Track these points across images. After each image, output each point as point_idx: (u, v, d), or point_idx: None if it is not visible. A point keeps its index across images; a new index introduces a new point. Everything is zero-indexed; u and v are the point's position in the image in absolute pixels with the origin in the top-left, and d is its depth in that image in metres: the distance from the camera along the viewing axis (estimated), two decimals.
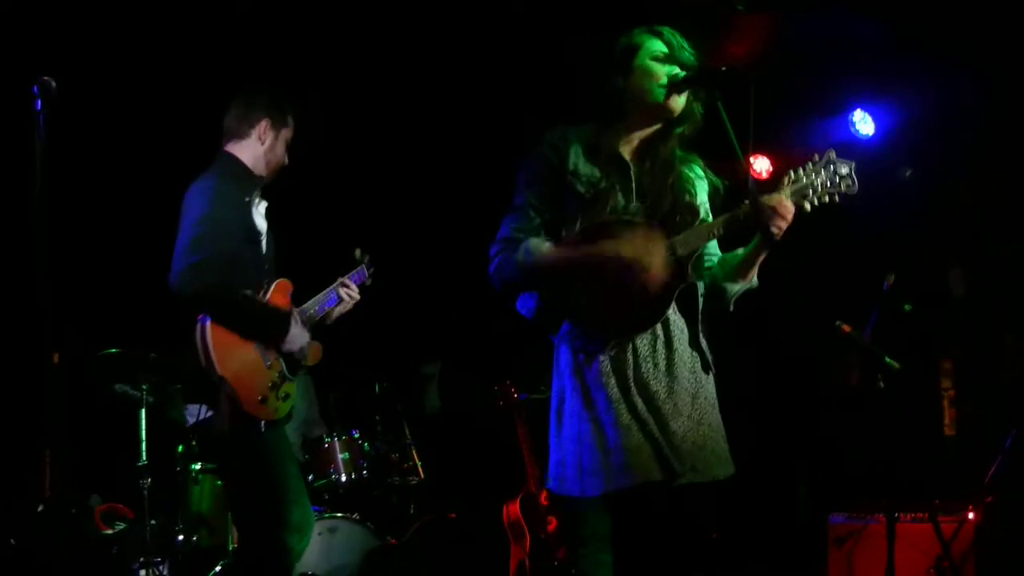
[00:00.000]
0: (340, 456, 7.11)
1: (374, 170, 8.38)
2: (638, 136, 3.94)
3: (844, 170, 3.83)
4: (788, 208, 3.72)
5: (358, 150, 8.27)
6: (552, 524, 6.80)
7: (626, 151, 3.93)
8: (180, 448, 6.87)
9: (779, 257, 4.04)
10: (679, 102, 3.87)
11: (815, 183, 3.80)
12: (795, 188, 3.80)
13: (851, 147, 7.31)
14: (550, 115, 4.05)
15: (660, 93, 3.83)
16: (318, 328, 5.29)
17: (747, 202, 3.74)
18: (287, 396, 4.93)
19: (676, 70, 3.84)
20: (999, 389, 7.06)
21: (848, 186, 3.83)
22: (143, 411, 6.40)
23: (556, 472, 3.88)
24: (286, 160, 5.19)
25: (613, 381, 3.75)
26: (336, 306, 5.39)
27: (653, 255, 3.72)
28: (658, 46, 3.88)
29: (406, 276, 8.49)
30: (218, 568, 6.51)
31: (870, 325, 5.76)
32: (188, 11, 6.95)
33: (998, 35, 6.62)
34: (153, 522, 6.45)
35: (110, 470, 6.83)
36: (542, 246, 3.79)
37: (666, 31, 3.91)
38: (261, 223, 5.02)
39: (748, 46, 6.56)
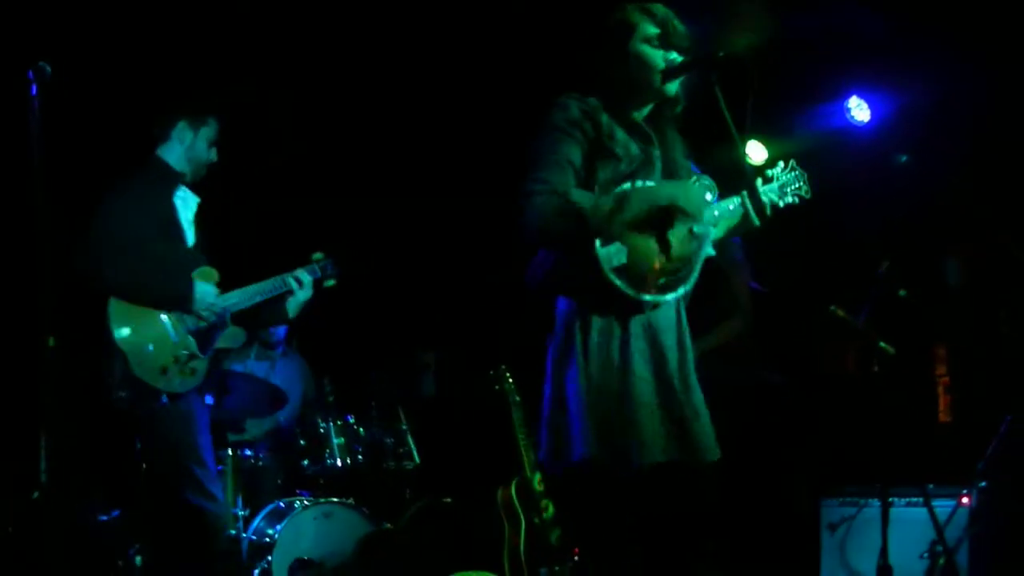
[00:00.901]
0: (335, 441, 7.13)
1: (370, 160, 8.37)
2: (639, 113, 3.95)
3: (801, 176, 4.19)
4: (780, 204, 4.02)
5: (352, 141, 8.26)
6: (547, 508, 6.80)
7: (643, 123, 3.95)
8: None
9: (774, 243, 4.07)
10: (673, 86, 3.89)
11: (787, 184, 4.11)
12: (778, 186, 4.08)
13: (847, 133, 7.32)
14: (544, 99, 4.03)
15: (655, 79, 3.84)
16: (262, 317, 5.68)
17: (746, 193, 3.83)
18: (194, 372, 5.21)
19: (671, 54, 3.84)
20: (993, 375, 7.07)
21: (806, 191, 4.17)
22: None
23: (559, 444, 3.86)
24: (212, 157, 5.56)
25: (640, 349, 3.75)
26: (282, 297, 5.63)
27: (700, 214, 3.80)
28: (651, 29, 3.88)
29: (404, 262, 8.50)
30: None
31: (865, 311, 5.77)
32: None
33: (994, 20, 6.61)
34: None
35: (105, 455, 6.82)
36: (594, 197, 3.72)
37: (660, 10, 3.91)
38: (185, 217, 5.45)
39: (745, 31, 6.56)
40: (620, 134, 3.83)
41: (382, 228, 8.61)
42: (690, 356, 3.87)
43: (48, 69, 4.28)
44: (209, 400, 5.48)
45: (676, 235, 3.74)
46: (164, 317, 5.20)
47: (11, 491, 5.60)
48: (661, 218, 3.71)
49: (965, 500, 6.03)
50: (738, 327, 6.49)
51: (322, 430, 7.16)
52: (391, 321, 8.54)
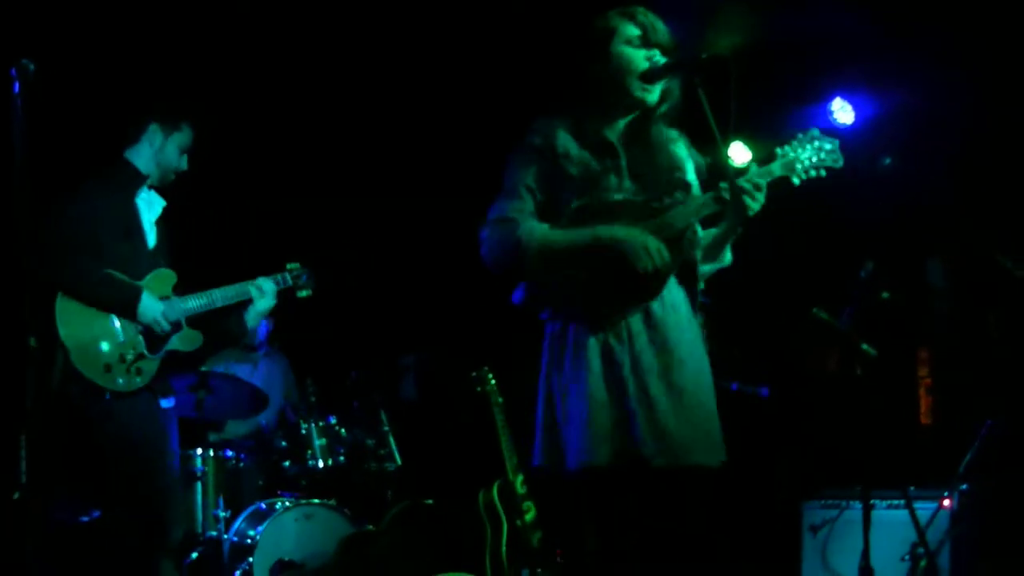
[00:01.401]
0: (317, 442, 7.12)
1: (353, 163, 8.36)
2: (622, 120, 3.95)
3: (828, 146, 4.02)
4: (760, 184, 3.86)
5: (333, 142, 8.26)
6: (529, 510, 6.80)
7: (612, 136, 3.94)
8: None
9: (758, 243, 4.06)
10: (655, 93, 3.89)
11: (801, 158, 3.96)
12: (784, 162, 3.95)
13: (831, 135, 7.32)
14: (529, 105, 4.04)
15: (636, 85, 3.84)
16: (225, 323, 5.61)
17: (724, 184, 3.81)
18: (140, 372, 5.15)
19: (653, 53, 3.85)
20: (975, 378, 7.08)
21: (834, 160, 4.04)
22: None
23: (547, 448, 3.87)
24: (182, 165, 5.54)
25: (607, 359, 3.76)
26: (242, 305, 5.58)
27: (648, 236, 3.75)
28: (632, 30, 3.88)
29: (387, 263, 8.50)
30: (194, 555, 6.51)
31: (848, 312, 5.78)
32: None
33: (978, 23, 6.63)
34: None
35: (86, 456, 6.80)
36: (541, 226, 3.79)
37: (639, 12, 3.92)
38: (148, 219, 5.41)
39: (728, 33, 6.57)
40: (575, 150, 3.87)
41: (363, 229, 8.61)
42: (680, 359, 3.85)
43: (31, 67, 4.27)
44: (168, 403, 5.39)
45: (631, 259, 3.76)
46: (113, 315, 5.16)
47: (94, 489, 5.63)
48: (606, 259, 3.75)
49: (946, 502, 6.04)
50: None
51: (304, 431, 7.15)
52: (373, 322, 8.53)
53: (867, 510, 5.61)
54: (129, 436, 5.16)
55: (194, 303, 5.38)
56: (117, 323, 5.14)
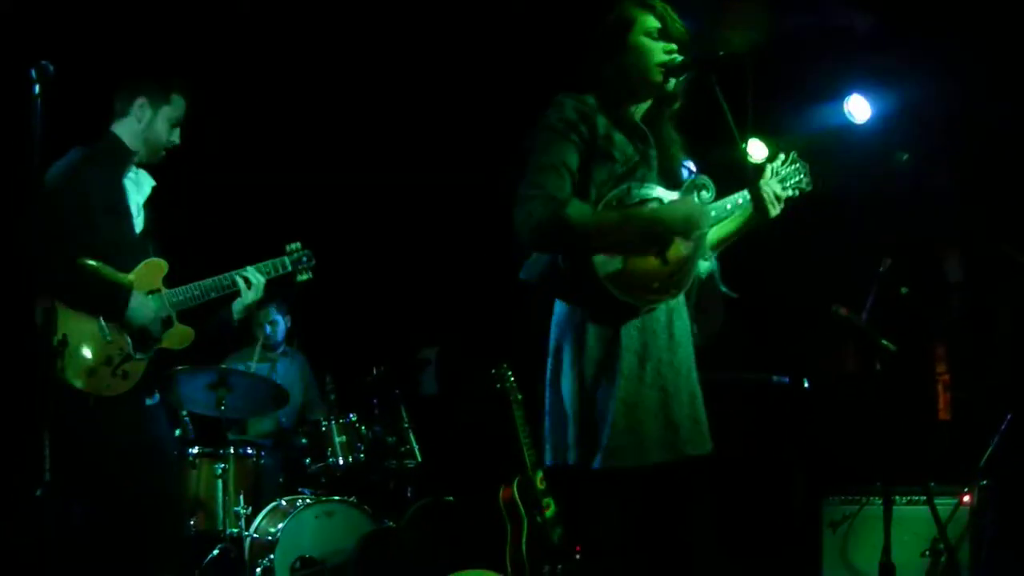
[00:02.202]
0: (337, 439, 7.13)
1: (371, 156, 8.38)
2: (637, 109, 3.95)
3: (802, 168, 4.23)
4: (781, 196, 4.05)
5: (354, 138, 8.27)
6: (548, 507, 6.82)
7: (642, 121, 3.94)
8: (177, 432, 6.89)
9: (776, 242, 4.08)
10: (673, 83, 3.89)
11: (790, 179, 4.17)
12: (779, 180, 4.12)
13: (847, 132, 7.32)
14: (542, 94, 4.03)
15: (656, 72, 3.84)
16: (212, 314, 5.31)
17: (749, 190, 3.86)
18: (126, 375, 4.85)
19: (671, 47, 3.85)
20: (994, 373, 7.07)
21: (808, 183, 4.23)
22: None
23: (561, 443, 3.88)
24: (174, 140, 5.15)
25: (633, 351, 3.75)
26: (230, 297, 5.27)
27: (696, 226, 3.80)
28: (651, 22, 3.87)
29: (404, 261, 8.51)
30: (215, 552, 6.54)
31: (866, 309, 5.78)
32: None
33: (993, 18, 6.61)
34: None
35: None
36: (590, 208, 3.71)
37: (658, 4, 3.90)
38: (135, 201, 5.07)
39: (744, 30, 6.56)
40: (616, 135, 3.82)
41: (385, 224, 8.64)
42: (687, 356, 3.88)
43: (51, 68, 4.27)
44: (153, 400, 5.12)
45: (677, 247, 3.78)
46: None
47: (13, 490, 5.53)
48: (660, 243, 3.75)
49: (966, 498, 6.04)
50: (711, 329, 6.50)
51: (324, 428, 7.17)
52: (392, 319, 8.55)
53: (887, 506, 5.62)
54: (112, 442, 4.83)
55: (185, 296, 5.04)
56: (103, 323, 4.81)
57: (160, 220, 5.21)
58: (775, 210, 3.99)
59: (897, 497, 6.06)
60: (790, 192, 4.13)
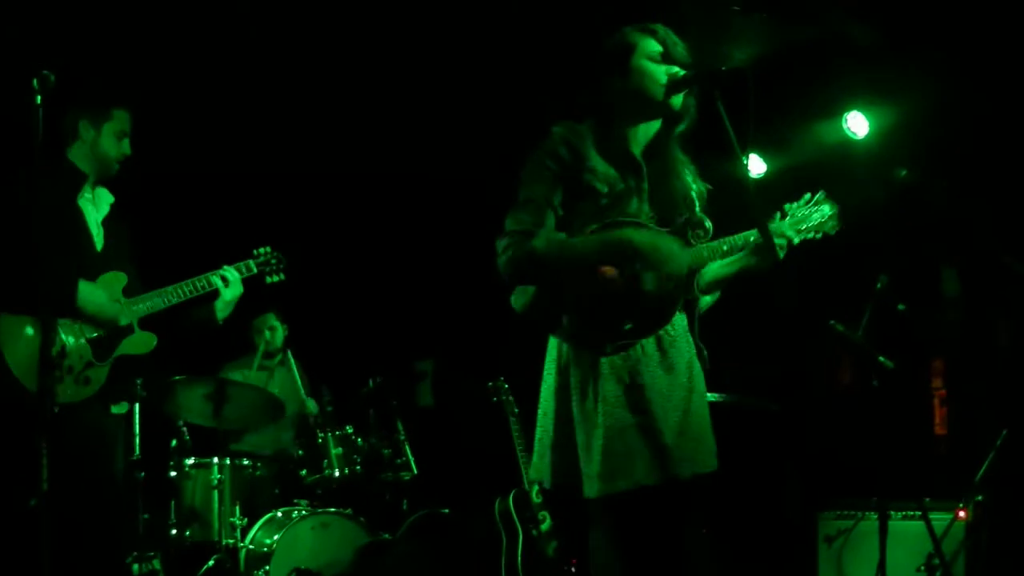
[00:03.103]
0: (333, 451, 7.13)
1: (372, 165, 8.40)
2: (641, 136, 3.95)
3: (829, 211, 4.14)
4: (792, 240, 4.00)
5: (353, 151, 8.30)
6: (544, 520, 6.82)
7: (636, 150, 3.94)
8: (173, 442, 6.89)
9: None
10: (678, 100, 3.89)
11: (808, 221, 4.08)
12: (792, 223, 4.04)
13: (845, 148, 7.33)
14: (545, 114, 4.05)
15: (659, 92, 3.85)
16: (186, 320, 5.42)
17: (756, 233, 3.88)
18: (88, 381, 4.96)
19: (674, 69, 3.86)
20: (990, 388, 7.09)
21: (833, 227, 4.15)
22: (137, 405, 6.42)
23: (555, 468, 3.89)
24: (124, 151, 5.26)
25: (617, 378, 3.77)
26: (209, 298, 5.41)
27: (670, 260, 3.77)
28: (653, 46, 3.88)
29: (402, 272, 8.52)
30: (211, 563, 6.54)
31: (863, 324, 5.79)
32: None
33: (992, 34, 6.63)
34: (146, 516, 6.48)
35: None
36: (559, 236, 3.75)
37: (660, 29, 3.92)
38: (94, 219, 5.20)
39: (744, 46, 6.59)
40: (603, 167, 3.83)
41: (382, 237, 8.65)
42: (687, 381, 3.88)
43: (52, 78, 4.29)
44: (121, 408, 5.24)
45: (648, 279, 3.77)
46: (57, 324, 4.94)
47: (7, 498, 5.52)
48: (625, 266, 3.74)
49: (962, 513, 6.05)
50: None
51: (320, 440, 7.17)
52: (389, 331, 8.56)
53: (883, 521, 5.62)
54: (72, 449, 4.80)
55: (145, 305, 5.18)
56: (62, 333, 4.91)
57: (160, 225, 5.27)
58: (781, 253, 3.93)
59: (893, 512, 6.07)
60: (809, 236, 4.07)
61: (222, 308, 5.42)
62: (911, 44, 6.86)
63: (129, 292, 5.17)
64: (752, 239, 3.93)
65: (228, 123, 7.87)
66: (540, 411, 3.97)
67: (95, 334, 5.03)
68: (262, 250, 5.73)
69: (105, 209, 5.28)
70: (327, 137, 8.25)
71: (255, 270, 5.63)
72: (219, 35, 7.15)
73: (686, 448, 3.78)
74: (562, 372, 3.86)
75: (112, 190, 5.36)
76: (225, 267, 5.45)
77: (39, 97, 4.26)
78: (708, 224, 3.93)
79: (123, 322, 5.09)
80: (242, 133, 8.00)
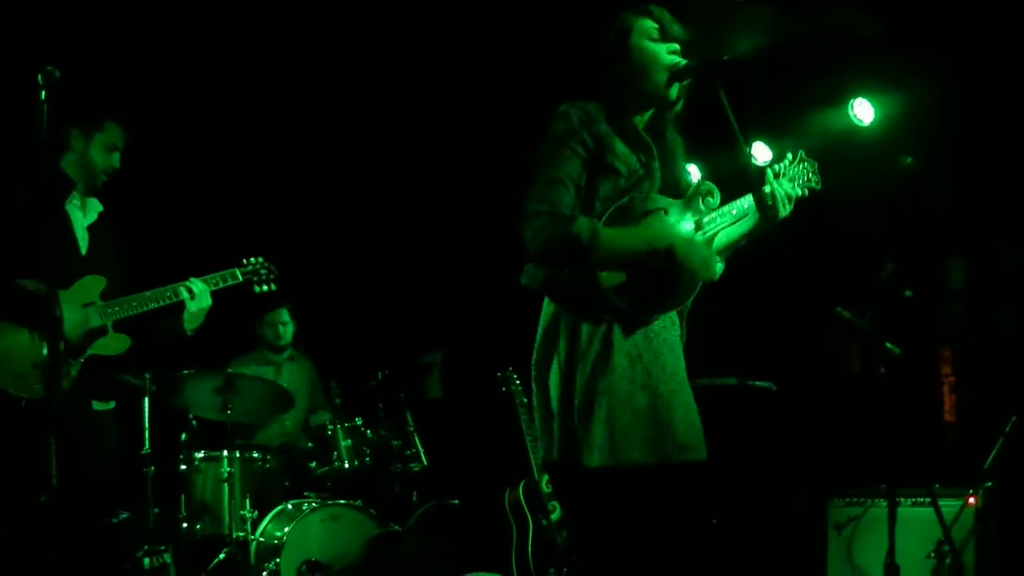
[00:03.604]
0: (343, 443, 7.14)
1: (379, 159, 8.40)
2: (641, 118, 3.96)
3: (811, 167, 4.16)
4: (791, 195, 3.95)
5: (361, 140, 8.29)
6: (554, 510, 6.82)
7: (646, 132, 3.95)
8: (183, 436, 6.90)
9: (779, 245, 4.08)
10: (676, 89, 3.90)
11: (795, 178, 4.08)
12: (789, 180, 4.02)
13: (851, 135, 7.31)
14: (546, 99, 4.04)
15: (661, 76, 3.85)
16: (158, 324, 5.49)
17: (752, 195, 3.86)
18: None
19: (673, 47, 3.87)
20: (999, 375, 7.08)
21: (817, 181, 4.16)
22: (147, 399, 6.44)
23: (547, 439, 3.89)
24: (113, 164, 5.42)
25: (632, 360, 3.77)
26: (179, 307, 5.45)
27: (694, 244, 3.80)
28: (649, 25, 3.89)
29: (410, 264, 8.52)
30: (222, 556, 6.55)
31: (870, 312, 5.78)
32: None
33: (997, 23, 6.62)
34: (156, 510, 6.49)
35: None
36: (594, 224, 3.73)
37: (655, 9, 3.93)
38: (80, 225, 5.36)
39: (749, 34, 6.58)
40: (620, 146, 3.84)
41: (389, 228, 8.65)
42: (679, 362, 3.89)
43: (57, 73, 4.30)
44: (104, 405, 5.37)
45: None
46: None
47: (17, 494, 5.53)
48: (661, 266, 3.76)
49: (971, 500, 6.04)
50: None
51: (329, 432, 7.18)
52: (397, 322, 8.56)
53: (892, 508, 5.62)
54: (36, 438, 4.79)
55: (122, 307, 5.29)
56: (30, 333, 5.08)
57: (166, 226, 5.31)
58: (785, 210, 3.93)
59: (902, 499, 6.07)
60: (799, 191, 4.06)
61: (188, 320, 5.47)
62: (917, 32, 6.84)
63: (110, 295, 5.31)
64: (750, 200, 3.95)
65: (238, 123, 7.89)
66: (543, 387, 3.92)
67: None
68: (252, 260, 5.79)
69: (93, 216, 5.43)
70: (336, 135, 8.26)
71: (240, 279, 5.69)
72: (221, 35, 7.17)
73: (683, 433, 3.78)
74: (572, 343, 3.84)
75: (116, 192, 5.49)
76: (191, 279, 5.48)
77: (44, 92, 4.32)
78: (716, 192, 3.93)
79: (94, 324, 5.22)
80: (252, 132, 8.01)
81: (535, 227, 3.72)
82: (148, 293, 5.36)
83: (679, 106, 3.97)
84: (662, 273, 3.75)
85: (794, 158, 4.15)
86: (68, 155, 5.37)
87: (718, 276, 3.91)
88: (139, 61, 7.16)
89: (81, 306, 5.22)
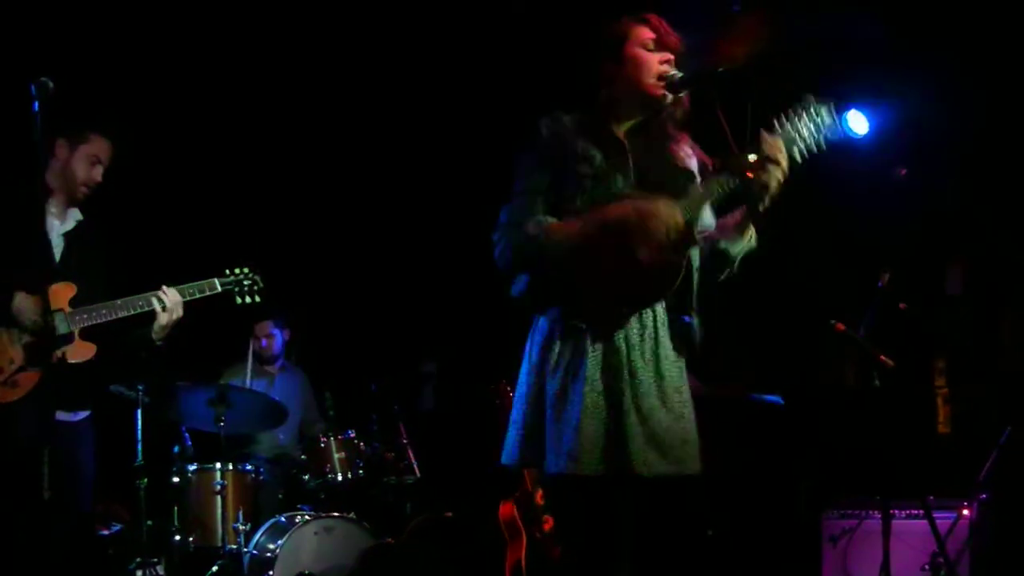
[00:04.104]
0: (336, 455, 7.14)
1: (372, 170, 8.40)
2: (631, 121, 3.96)
3: (825, 113, 3.89)
4: (782, 151, 3.75)
5: (355, 150, 8.29)
6: (548, 523, 6.81)
7: (619, 133, 3.95)
8: (176, 448, 6.89)
9: (774, 255, 4.06)
10: (671, 99, 3.90)
11: (801, 131, 3.83)
12: (785, 137, 3.80)
13: (845, 146, 7.30)
14: (540, 107, 4.05)
15: (650, 84, 3.86)
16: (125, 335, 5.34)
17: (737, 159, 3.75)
18: (16, 384, 4.98)
19: (667, 57, 3.87)
20: (993, 387, 7.08)
21: (833, 131, 3.89)
22: (139, 411, 6.42)
23: (526, 448, 3.88)
24: (95, 177, 5.32)
25: (604, 369, 3.75)
26: (149, 317, 5.28)
27: (665, 211, 3.69)
28: (646, 34, 3.91)
29: (402, 276, 8.51)
30: (214, 568, 6.54)
31: (865, 323, 5.78)
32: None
33: (993, 32, 6.63)
34: (149, 522, 6.48)
35: (106, 470, 6.84)
36: (549, 220, 3.77)
37: (652, 18, 3.94)
38: (56, 232, 5.26)
39: (743, 44, 6.58)
40: (583, 146, 3.86)
41: (383, 239, 8.65)
42: (663, 376, 3.86)
43: (50, 84, 4.31)
44: (71, 416, 5.24)
45: (641, 250, 3.71)
46: None
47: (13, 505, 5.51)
48: (619, 241, 3.71)
49: (966, 512, 6.04)
50: None
51: (323, 444, 7.17)
52: (391, 335, 8.56)
53: (887, 520, 5.61)
54: (5, 448, 4.94)
55: (91, 315, 5.14)
56: None
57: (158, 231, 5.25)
58: (777, 175, 3.73)
59: (896, 511, 6.07)
60: (814, 147, 3.84)
61: (158, 330, 5.27)
62: (911, 41, 6.85)
63: (83, 302, 5.16)
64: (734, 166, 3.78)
65: (235, 128, 7.89)
66: (517, 393, 3.96)
67: (29, 340, 5.04)
68: (236, 270, 5.57)
69: (70, 225, 5.34)
70: (331, 141, 8.26)
71: (219, 289, 5.47)
72: (219, 34, 7.18)
73: (667, 445, 3.75)
74: (544, 350, 3.84)
75: (104, 196, 5.40)
76: (165, 287, 5.29)
77: (36, 104, 4.32)
78: (695, 175, 3.92)
79: (61, 331, 5.08)
80: (249, 140, 8.01)
81: (498, 238, 3.83)
82: (119, 301, 5.19)
83: (678, 113, 3.96)
84: (624, 259, 3.70)
85: (800, 106, 3.90)
86: (53, 164, 5.28)
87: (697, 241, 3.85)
88: (130, 65, 7.15)
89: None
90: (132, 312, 5.22)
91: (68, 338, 5.11)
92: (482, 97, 7.76)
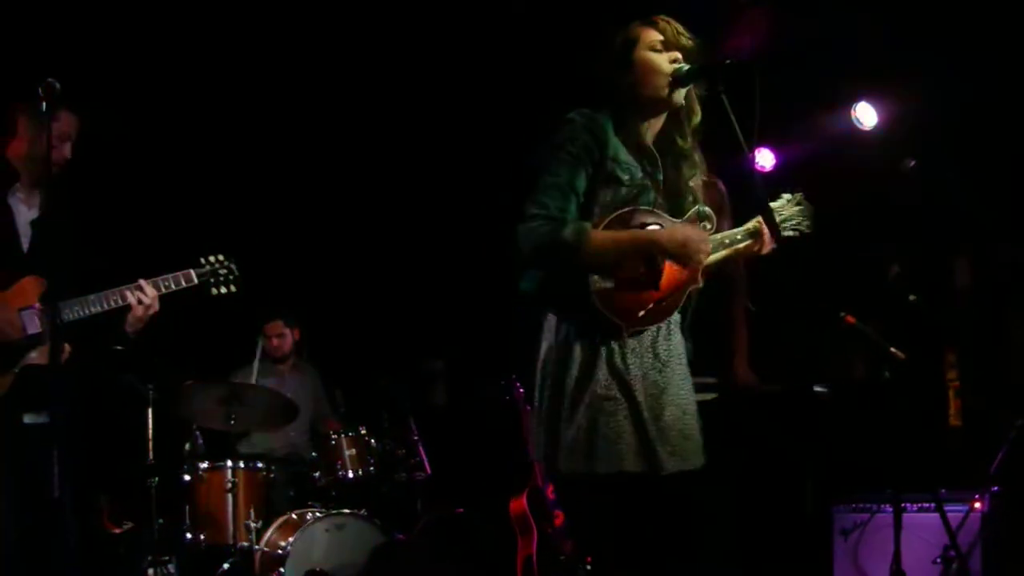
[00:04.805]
0: (347, 453, 7.14)
1: (382, 167, 8.40)
2: (650, 129, 3.95)
3: (806, 211, 4.30)
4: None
5: (367, 148, 8.30)
6: (559, 518, 6.81)
7: (649, 141, 3.95)
8: (187, 446, 6.90)
9: (784, 249, 4.07)
10: (681, 94, 3.89)
11: (788, 219, 4.23)
12: (782, 219, 4.17)
13: (854, 139, 7.31)
14: (552, 112, 4.04)
15: (663, 84, 3.85)
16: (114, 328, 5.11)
17: (758, 224, 4.01)
18: None
19: (676, 56, 3.86)
20: (1005, 379, 7.06)
21: (808, 225, 4.29)
22: (150, 410, 6.44)
23: (545, 445, 3.89)
24: (65, 153, 4.99)
25: (611, 364, 3.77)
26: (123, 311, 5.02)
27: (704, 246, 3.84)
28: (654, 35, 3.90)
29: (413, 272, 8.52)
30: (226, 566, 6.55)
31: (875, 316, 5.77)
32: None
33: (1001, 25, 6.61)
34: (160, 521, 6.49)
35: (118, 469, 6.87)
36: (589, 228, 3.74)
37: (662, 20, 3.93)
38: (22, 220, 4.98)
39: (750, 38, 6.57)
40: (625, 156, 3.85)
41: (393, 236, 8.65)
42: (675, 375, 3.88)
43: (57, 85, 4.29)
44: (37, 419, 4.89)
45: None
46: None
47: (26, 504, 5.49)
48: (652, 259, 3.78)
49: (977, 505, 6.02)
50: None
51: (333, 442, 7.18)
52: (401, 331, 8.56)
53: (898, 513, 5.60)
54: None
55: (64, 312, 4.80)
56: None
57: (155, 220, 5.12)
58: (767, 248, 4.06)
59: (908, 504, 6.05)
60: (788, 233, 4.17)
61: (132, 323, 5.01)
62: (918, 34, 6.84)
63: (55, 297, 4.75)
64: (750, 227, 4.06)
65: (236, 124, 7.89)
66: (541, 394, 3.94)
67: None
68: (211, 258, 5.28)
69: (38, 211, 5.04)
70: (339, 139, 8.26)
71: (195, 280, 5.18)
72: (216, 32, 7.18)
73: (673, 443, 3.78)
74: (560, 348, 3.84)
75: (75, 181, 5.10)
76: (141, 282, 5.02)
77: (45, 104, 4.31)
78: (713, 218, 3.95)
79: (31, 331, 4.88)
80: (256, 136, 8.01)
81: (528, 229, 3.74)
82: (92, 296, 4.91)
83: (696, 119, 3.97)
84: (650, 278, 3.76)
85: (792, 198, 4.26)
86: (15, 141, 4.98)
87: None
88: (126, 56, 7.15)
89: (17, 310, 4.85)
90: (107, 307, 4.95)
91: (39, 338, 4.87)
92: (492, 91, 7.75)
